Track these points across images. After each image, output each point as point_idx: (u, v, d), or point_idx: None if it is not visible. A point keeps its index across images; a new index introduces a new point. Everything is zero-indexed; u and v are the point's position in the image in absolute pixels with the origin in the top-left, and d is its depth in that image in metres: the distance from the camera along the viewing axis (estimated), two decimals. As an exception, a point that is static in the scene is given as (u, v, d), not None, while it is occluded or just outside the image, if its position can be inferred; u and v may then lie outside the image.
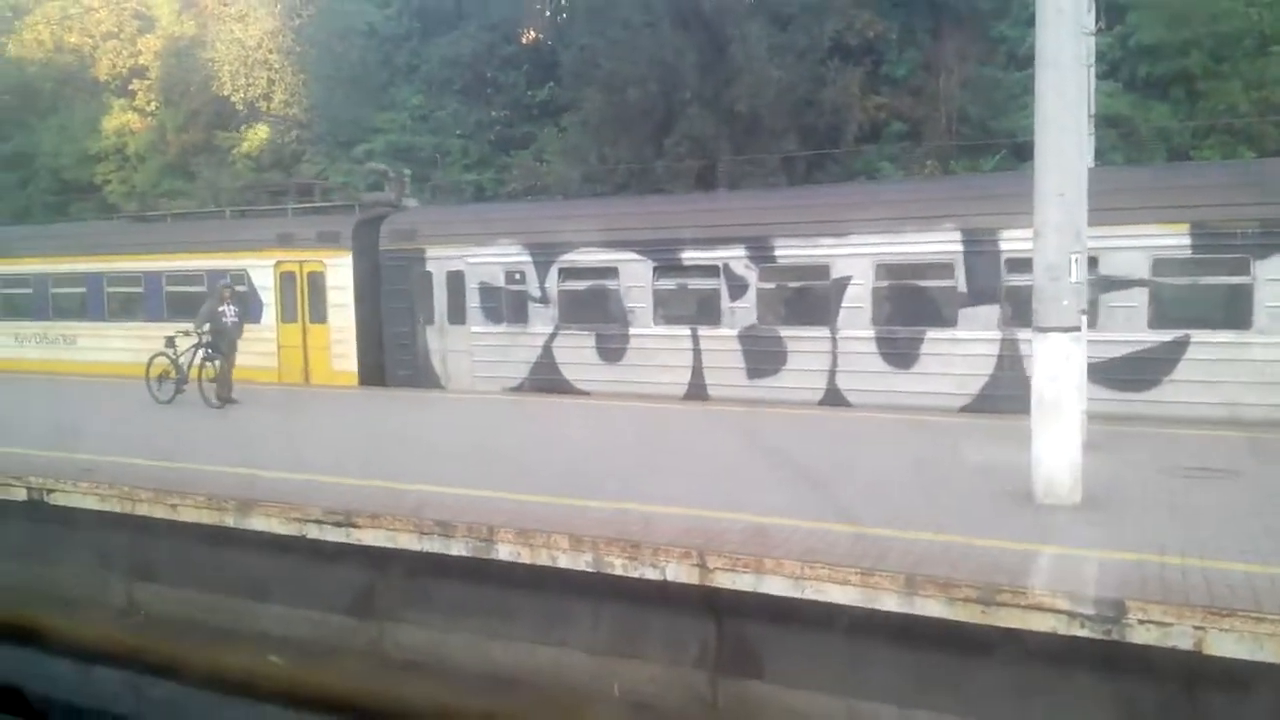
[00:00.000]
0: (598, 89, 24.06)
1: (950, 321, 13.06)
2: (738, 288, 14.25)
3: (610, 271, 15.23)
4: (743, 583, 6.83)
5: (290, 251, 17.82)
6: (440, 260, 16.57)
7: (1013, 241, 12.10)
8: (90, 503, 9.53)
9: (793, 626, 6.72)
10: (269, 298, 18.01)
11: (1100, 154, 13.46)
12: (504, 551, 7.64)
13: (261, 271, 18.06)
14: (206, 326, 14.79)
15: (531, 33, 29.90)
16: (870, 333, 13.45)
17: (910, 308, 13.38)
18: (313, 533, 8.37)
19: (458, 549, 7.80)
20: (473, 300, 16.32)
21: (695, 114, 23.04)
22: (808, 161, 22.79)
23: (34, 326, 21.03)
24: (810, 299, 14.08)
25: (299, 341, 17.84)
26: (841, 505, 7.89)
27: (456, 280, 16.45)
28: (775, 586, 6.72)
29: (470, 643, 7.73)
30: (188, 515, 8.96)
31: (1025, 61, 14.16)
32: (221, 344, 14.83)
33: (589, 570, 7.28)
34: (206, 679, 0.80)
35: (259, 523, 8.65)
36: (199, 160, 31.13)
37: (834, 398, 13.65)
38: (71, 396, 17.44)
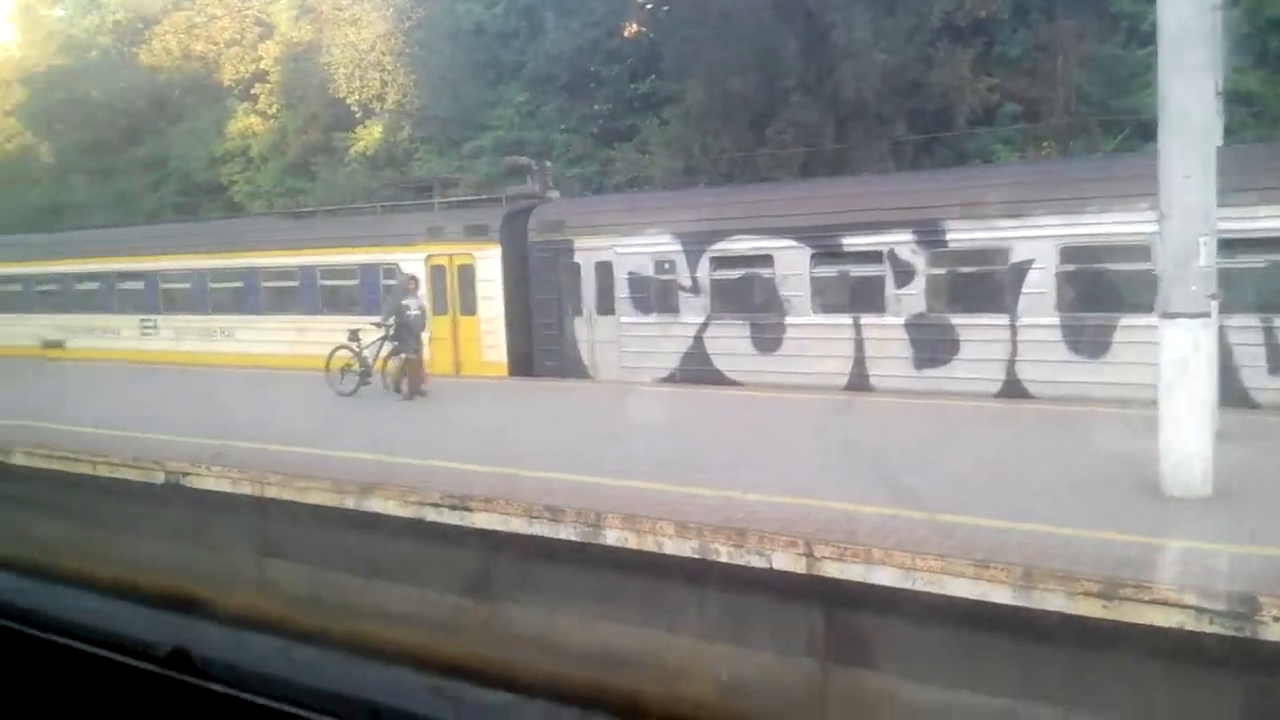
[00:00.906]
0: (699, 80, 23.97)
1: (1145, 307, 12.28)
2: (904, 274, 13.64)
3: (765, 259, 14.81)
4: (851, 573, 6.77)
5: (440, 245, 17.93)
6: (588, 251, 16.46)
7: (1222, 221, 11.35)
8: (223, 485, 10.05)
9: (905, 617, 6.62)
10: (421, 290, 17.59)
11: (1230, 132, 12.70)
12: (611, 536, 7.76)
13: (412, 265, 18.07)
14: (392, 319, 14.81)
15: (633, 26, 29.99)
16: (1055, 320, 12.61)
17: (1100, 293, 12.49)
18: (430, 515, 8.65)
19: (566, 533, 7.95)
20: (621, 290, 16.16)
21: (798, 101, 22.72)
22: (916, 146, 22.24)
23: (194, 320, 21.55)
24: (986, 284, 13.30)
25: (449, 333, 17.90)
26: (965, 497, 7.73)
27: (605, 271, 16.32)
28: (885, 577, 6.65)
29: (578, 623, 7.86)
30: (314, 498, 9.37)
31: (1148, 38, 13.46)
32: (408, 336, 14.80)
33: (695, 557, 7.33)
34: (343, 644, 0.87)
35: (378, 505, 8.99)
36: (318, 160, 32.33)
37: (1013, 389, 12.91)
38: (251, 388, 17.88)
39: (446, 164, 28.78)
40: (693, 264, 15.38)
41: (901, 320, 13.74)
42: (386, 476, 9.41)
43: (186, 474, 10.37)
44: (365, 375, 14.92)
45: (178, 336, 21.78)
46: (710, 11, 24.01)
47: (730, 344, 15.13)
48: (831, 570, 6.84)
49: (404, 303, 14.92)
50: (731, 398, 14.39)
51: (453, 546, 8.45)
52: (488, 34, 30.01)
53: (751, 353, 14.93)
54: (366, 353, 14.95)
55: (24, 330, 24.54)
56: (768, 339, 14.82)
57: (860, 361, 14.11)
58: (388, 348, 14.83)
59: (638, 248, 15.97)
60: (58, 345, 23.72)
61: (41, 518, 10.88)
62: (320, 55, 31.99)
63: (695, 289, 15.38)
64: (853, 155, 21.94)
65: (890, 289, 13.77)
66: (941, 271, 13.60)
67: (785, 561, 7.00)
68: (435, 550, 8.58)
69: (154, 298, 22.26)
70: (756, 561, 7.10)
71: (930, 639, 6.62)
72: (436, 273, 17.98)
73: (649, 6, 30.02)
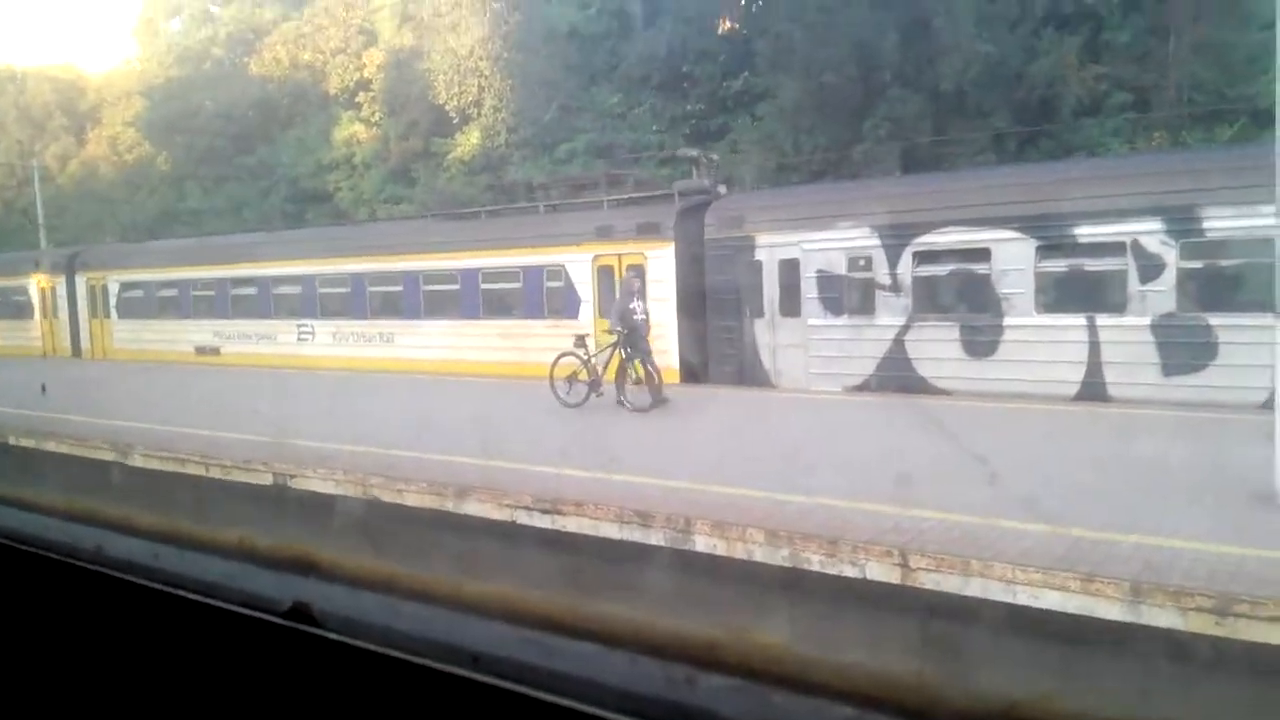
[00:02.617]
0: (793, 75, 23.82)
1: None
2: (1150, 267, 12.14)
3: (979, 253, 13.41)
4: (948, 584, 6.65)
5: (608, 244, 16.99)
6: (772, 248, 15.26)
7: None
8: (328, 487, 10.43)
9: (1006, 632, 6.47)
10: (586, 292, 17.23)
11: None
12: (700, 543, 7.77)
13: (578, 266, 17.27)
14: (620, 325, 13.66)
15: (727, 23, 29.97)
16: None
17: None
18: (522, 518, 8.82)
19: (656, 538, 8.00)
20: (809, 290, 14.91)
21: (896, 95, 22.38)
22: (1020, 138, 21.65)
23: (352, 325, 20.92)
24: (1255, 279, 11.55)
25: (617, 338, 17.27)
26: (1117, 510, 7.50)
27: (790, 269, 15.11)
28: (984, 589, 6.52)
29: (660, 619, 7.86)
30: (412, 500, 9.64)
31: (1268, 21, 12.77)
32: (639, 342, 13.69)
33: (785, 565, 7.29)
34: (447, 602, 0.95)
35: (474, 508, 9.20)
36: (418, 167, 33.21)
37: None
38: (445, 398, 16.69)
39: (541, 168, 29.25)
40: (893, 260, 14.05)
41: (1147, 320, 12.23)
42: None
43: (293, 476, 10.78)
44: (595, 385, 13.75)
45: (335, 342, 21.21)
46: (807, 5, 23.83)
47: (936, 348, 13.77)
48: (927, 581, 6.73)
49: (630, 305, 13.78)
50: (963, 410, 12.68)
51: (543, 550, 8.56)
52: (581, 36, 30.38)
53: (961, 358, 13.57)
54: (596, 360, 13.92)
55: (179, 336, 24.46)
56: (982, 342, 13.41)
57: (1096, 367, 12.59)
58: (620, 355, 13.73)
59: (829, 243, 14.70)
60: (212, 351, 23.71)
61: (178, 493, 11.36)
62: (421, 62, 32.83)
63: (896, 287, 14.08)
64: (952, 149, 21.49)
65: (1133, 285, 12.28)
66: (1198, 265, 12.05)
67: (879, 571, 6.92)
68: (527, 554, 8.71)
69: (311, 303, 21.76)
70: (850, 571, 7.03)
71: (1031, 654, 6.46)
72: (604, 274, 17.05)
73: (743, 3, 29.96)
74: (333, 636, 0.90)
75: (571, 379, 13.79)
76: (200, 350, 23.91)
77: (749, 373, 15.67)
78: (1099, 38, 22.38)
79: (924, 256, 13.89)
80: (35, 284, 28.49)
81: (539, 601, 0.94)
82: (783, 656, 0.82)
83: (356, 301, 20.92)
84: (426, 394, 17.12)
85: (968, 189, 14.31)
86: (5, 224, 44.04)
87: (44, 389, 17.75)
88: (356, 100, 36.12)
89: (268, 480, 10.95)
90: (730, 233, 15.74)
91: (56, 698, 1.23)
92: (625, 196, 18.02)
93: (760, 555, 7.46)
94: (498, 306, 18.59)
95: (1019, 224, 13.07)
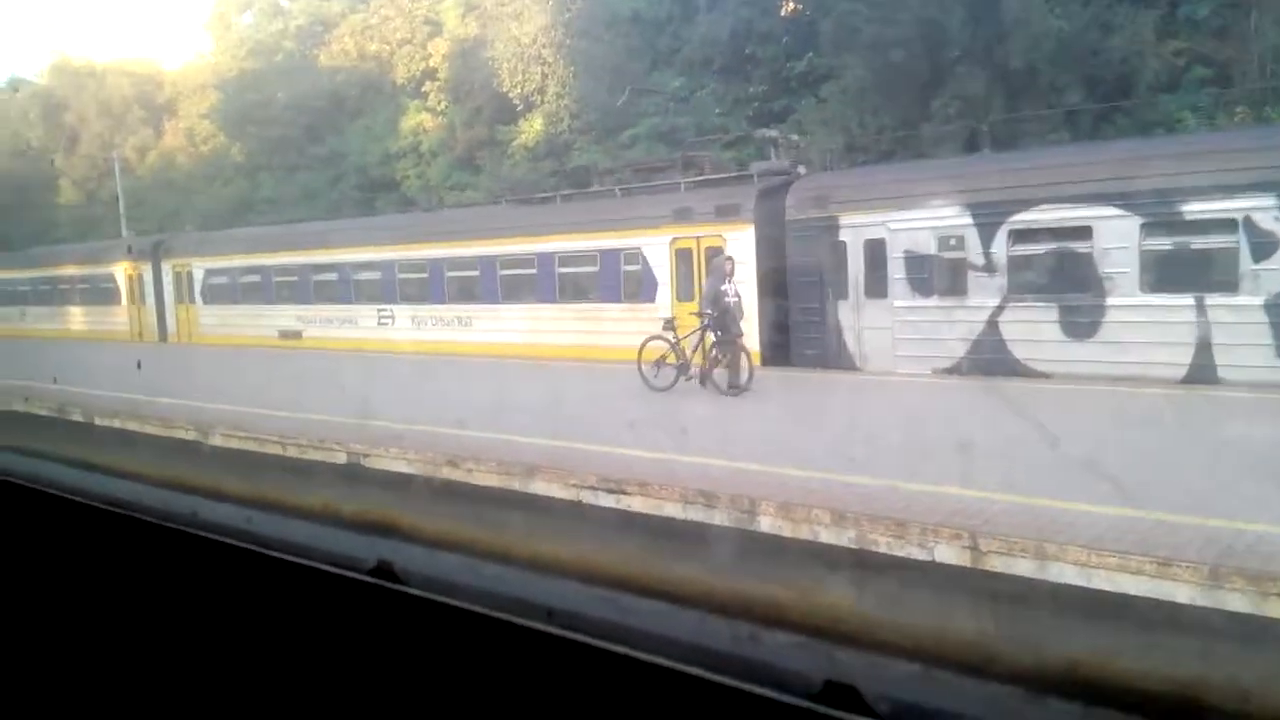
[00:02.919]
0: (859, 54, 23.47)
1: None
2: (1264, 245, 11.66)
3: (1080, 231, 12.95)
4: (1020, 568, 6.56)
5: (686, 227, 16.79)
6: (857, 228, 14.96)
7: None
8: (400, 466, 10.69)
9: (1079, 617, 6.37)
10: (663, 276, 17.13)
11: None
12: (765, 524, 7.78)
13: (655, 249, 17.14)
14: (711, 309, 13.47)
15: (790, 4, 29.64)
16: None
17: None
18: (587, 498, 8.92)
19: (720, 519, 8.04)
20: (896, 270, 14.55)
21: (964, 73, 21.92)
22: (1095, 116, 21.05)
23: (431, 309, 21.12)
24: None
25: (695, 321, 16.44)
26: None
27: (876, 249, 14.78)
28: (1058, 574, 6.42)
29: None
30: (480, 479, 9.82)
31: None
32: (731, 326, 13.41)
33: (851, 546, 7.26)
34: (523, 561, 1.01)
35: (541, 487, 9.34)
36: (482, 154, 33.56)
37: None
38: (536, 381, 16.71)
39: (604, 153, 29.33)
40: (986, 239, 13.66)
41: (1261, 300, 11.70)
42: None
43: (366, 455, 11.06)
44: (684, 368, 13.60)
45: (414, 326, 21.47)
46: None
47: (1032, 329, 13.33)
48: (998, 565, 6.65)
49: (722, 288, 13.51)
50: (1064, 393, 12.27)
51: (606, 529, 8.65)
52: (643, 21, 30.32)
53: (1060, 339, 13.11)
54: (686, 343, 13.75)
55: (262, 321, 24.92)
56: (1082, 323, 12.96)
57: (1205, 349, 12.09)
58: (710, 339, 13.49)
59: (917, 222, 14.33)
60: (295, 335, 24.17)
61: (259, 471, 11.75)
62: (485, 51, 33.12)
63: (989, 267, 13.65)
64: (1023, 127, 20.99)
65: (1246, 263, 11.78)
66: None
67: (949, 554, 6.85)
68: (589, 530, 8.79)
69: (391, 288, 22.04)
70: (918, 554, 6.98)
71: (1107, 640, 6.35)
72: (681, 256, 16.92)
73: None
74: (415, 592, 0.96)
75: (659, 362, 13.71)
76: (283, 334, 24.38)
77: (831, 355, 15.40)
78: (1177, 12, 21.63)
79: (1020, 235, 13.48)
80: (123, 271, 29.30)
81: (611, 562, 0.98)
82: (847, 615, 0.85)
83: (435, 286, 21.13)
84: (509, 377, 17.14)
85: (1067, 165, 13.82)
86: (89, 214, 45.65)
87: (139, 365, 18.65)
88: (423, 89, 36.58)
89: (342, 459, 11.26)
90: (813, 213, 15.43)
91: (158, 653, 1.31)
92: (702, 178, 17.80)
93: (826, 537, 7.45)
94: (574, 290, 18.61)
95: (1123, 200, 12.59)
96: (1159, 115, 20.75)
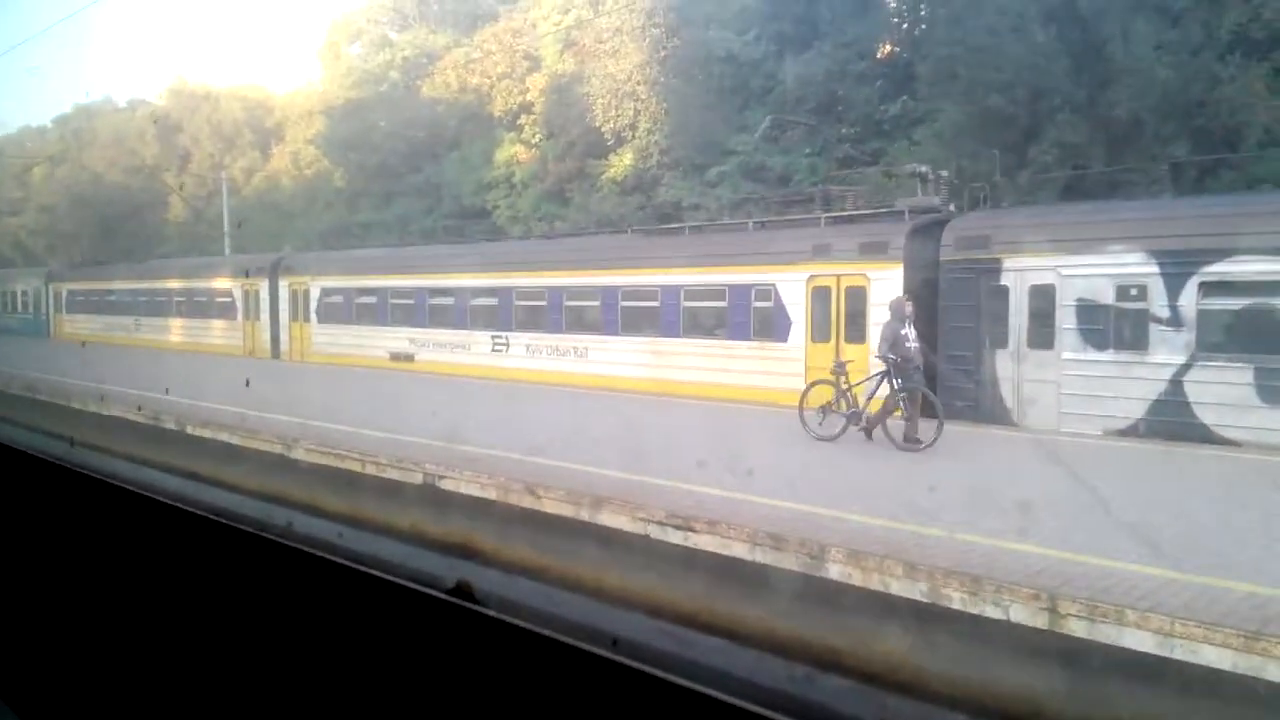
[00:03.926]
0: (956, 99, 23.25)
1: None
2: None
3: None
4: (1100, 634, 6.36)
5: (826, 264, 16.10)
6: (1022, 271, 14.03)
7: None
8: (472, 489, 10.89)
9: (1159, 689, 6.15)
10: (798, 314, 16.42)
11: None
12: (834, 570, 7.69)
13: (790, 286, 16.45)
14: (891, 353, 12.47)
15: (887, 47, 29.56)
16: None
17: None
18: (655, 533, 8.94)
19: (788, 562, 7.97)
20: (1065, 319, 13.58)
21: (1065, 120, 21.51)
22: (1200, 169, 20.42)
23: (546, 338, 20.79)
24: None
25: (831, 363, 15.28)
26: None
27: (1043, 295, 13.84)
28: (1138, 641, 6.21)
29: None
30: (550, 507, 9.94)
31: None
32: (912, 373, 12.46)
33: (923, 600, 7.13)
34: (590, 591, 1.06)
35: (608, 519, 9.40)
36: (572, 186, 34.13)
37: None
38: (670, 419, 15.83)
39: (690, 189, 29.54)
40: (1173, 289, 12.60)
41: None
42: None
43: (442, 477, 11.29)
44: (855, 417, 12.60)
45: (528, 354, 21.14)
46: (973, 28, 23.27)
47: (1225, 392, 12.27)
48: (1077, 629, 6.46)
49: (902, 332, 12.55)
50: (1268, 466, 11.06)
51: (669, 565, 8.62)
52: (737, 60, 30.57)
53: (1257, 405, 12.01)
54: (860, 390, 12.86)
55: (375, 342, 24.76)
56: None
57: None
58: (886, 386, 12.48)
59: (1093, 268, 13.37)
60: (407, 358, 23.99)
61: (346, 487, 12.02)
62: (580, 86, 33.77)
63: (1175, 320, 12.61)
64: (1126, 178, 20.47)
65: None
66: None
67: (1024, 614, 6.68)
68: (654, 567, 8.78)
69: (507, 314, 21.74)
70: (992, 612, 6.82)
71: (1187, 714, 6.11)
72: (818, 295, 16.23)
73: (905, 26, 29.52)
74: (491, 613, 1.02)
75: (826, 409, 12.80)
76: (395, 357, 24.21)
77: (985, 409, 14.38)
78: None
79: (1213, 287, 12.43)
80: (240, 287, 29.66)
81: (674, 596, 1.03)
82: (900, 664, 0.88)
83: (552, 315, 20.80)
84: (638, 412, 16.42)
85: (1273, 213, 12.80)
86: (194, 231, 47.74)
87: (247, 383, 19.17)
88: (518, 122, 37.42)
89: (418, 479, 11.51)
90: (971, 254, 14.52)
91: (249, 656, 1.40)
92: (842, 214, 17.11)
93: (897, 589, 7.33)
94: (699, 325, 18.16)
95: None
96: (1267, 170, 20.04)
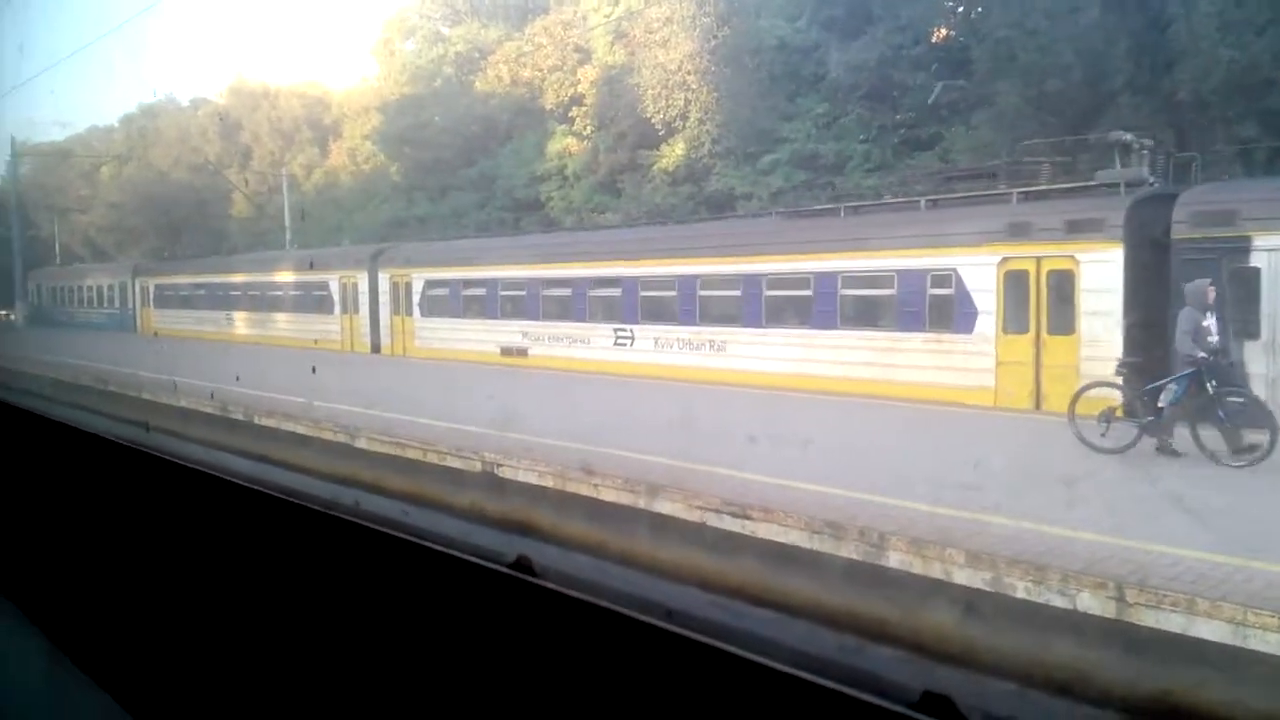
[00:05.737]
0: (1014, 83, 22.82)
1: None
2: None
3: None
4: (1169, 623, 6.25)
5: (1023, 245, 14.49)
6: (1276, 251, 12.43)
7: None
8: (530, 477, 11.05)
9: (1235, 680, 6.01)
10: (986, 303, 14.82)
11: None
12: (894, 559, 7.65)
13: (976, 271, 14.90)
14: (1197, 350, 10.63)
15: (942, 31, 29.09)
16: None
17: None
18: (712, 520, 8.97)
19: (847, 550, 7.94)
20: None
21: (1127, 103, 20.98)
22: (1269, 151, 19.79)
23: (678, 330, 19.42)
24: None
25: (1028, 357, 14.24)
26: None
27: None
28: (1209, 631, 6.09)
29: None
30: (608, 495, 10.04)
31: None
32: (1223, 373, 10.77)
33: (986, 589, 7.07)
34: (644, 566, 1.11)
35: (665, 507, 9.46)
36: (624, 178, 34.18)
37: None
38: (876, 425, 13.80)
39: (742, 178, 29.40)
40: None
41: None
42: None
43: (499, 465, 11.46)
44: (1151, 428, 10.78)
45: (656, 348, 19.66)
46: (1031, 10, 22.82)
47: None
48: (1145, 618, 6.35)
49: (1204, 324, 10.88)
50: None
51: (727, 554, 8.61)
52: (789, 48, 30.33)
53: None
54: (1159, 396, 10.93)
55: (484, 336, 23.50)
56: None
57: None
58: (1196, 389, 10.53)
59: None
60: (520, 353, 22.72)
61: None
62: (631, 77, 33.77)
63: None
64: (1190, 160, 19.92)
65: None
66: None
67: (1091, 603, 6.58)
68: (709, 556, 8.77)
69: (631, 305, 20.31)
70: (1058, 601, 6.73)
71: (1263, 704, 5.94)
72: (1012, 280, 14.62)
73: (960, 10, 29.04)
74: (550, 586, 1.06)
75: (1108, 415, 10.97)
76: (506, 351, 23.01)
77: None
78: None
79: None
80: (337, 279, 28.47)
81: (727, 571, 1.06)
82: (951, 634, 0.90)
83: (685, 305, 19.36)
84: (820, 413, 14.20)
85: None
86: (257, 226, 48.78)
87: (314, 369, 18.88)
88: (570, 115, 37.55)
89: (477, 468, 11.70)
90: (1211, 232, 12.84)
91: (320, 628, 1.47)
92: (1033, 189, 15.54)
93: (961, 578, 7.27)
94: (860, 315, 16.67)
95: None
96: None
